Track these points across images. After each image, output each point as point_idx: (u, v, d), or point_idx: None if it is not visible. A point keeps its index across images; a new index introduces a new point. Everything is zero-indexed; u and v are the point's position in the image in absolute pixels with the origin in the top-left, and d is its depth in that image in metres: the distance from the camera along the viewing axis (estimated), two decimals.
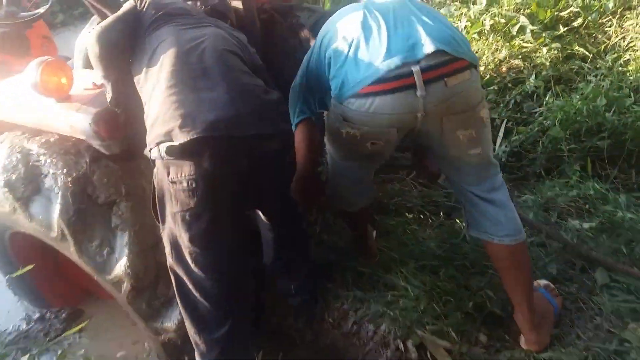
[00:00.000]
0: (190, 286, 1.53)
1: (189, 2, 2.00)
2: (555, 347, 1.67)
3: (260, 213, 1.84)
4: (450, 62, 1.37)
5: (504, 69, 3.02)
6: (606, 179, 2.42)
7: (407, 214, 2.34)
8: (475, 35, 3.25)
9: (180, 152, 1.40)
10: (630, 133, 2.46)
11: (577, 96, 2.64)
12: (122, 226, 1.88)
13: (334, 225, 2.34)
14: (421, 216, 2.33)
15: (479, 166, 1.57)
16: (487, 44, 3.16)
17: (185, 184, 1.41)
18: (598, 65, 2.89)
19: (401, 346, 1.79)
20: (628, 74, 2.80)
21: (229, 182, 1.45)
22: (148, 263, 1.86)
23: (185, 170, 1.41)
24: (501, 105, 2.88)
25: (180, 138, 1.38)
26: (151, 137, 1.47)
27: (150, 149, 1.47)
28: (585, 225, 2.04)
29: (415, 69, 1.34)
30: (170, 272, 1.58)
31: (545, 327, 1.69)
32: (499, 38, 3.15)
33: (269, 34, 2.46)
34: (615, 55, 2.92)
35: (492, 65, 3.06)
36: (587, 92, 2.62)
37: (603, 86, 2.66)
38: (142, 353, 2.15)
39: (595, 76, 2.83)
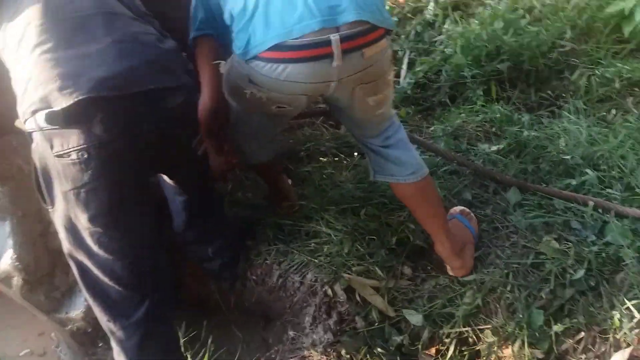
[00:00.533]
0: (97, 271, 1.34)
1: None
2: (478, 269, 1.71)
3: (165, 177, 1.67)
4: (370, 31, 1.26)
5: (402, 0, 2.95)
6: (508, 100, 2.48)
7: (321, 159, 2.26)
8: None
9: (63, 119, 1.17)
10: (527, 53, 2.52)
11: (476, 21, 2.64)
12: (1, 215, 1.63)
13: (248, 181, 2.22)
14: (336, 159, 2.26)
15: (381, 122, 1.56)
16: None
17: (74, 156, 1.19)
18: None
19: (329, 291, 1.76)
20: None
21: (128, 149, 1.25)
22: (38, 252, 1.64)
23: (72, 140, 1.18)
24: (402, 36, 2.83)
25: (62, 102, 1.15)
26: (24, 106, 1.22)
27: (25, 120, 1.23)
28: (494, 148, 2.08)
29: (335, 37, 1.20)
30: (69, 260, 1.37)
31: (466, 251, 1.72)
32: None
33: None
34: None
35: None
36: (484, 17, 2.63)
37: (499, 9, 2.68)
38: (51, 345, 1.94)
39: None
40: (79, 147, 1.17)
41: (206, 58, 1.46)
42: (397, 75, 2.77)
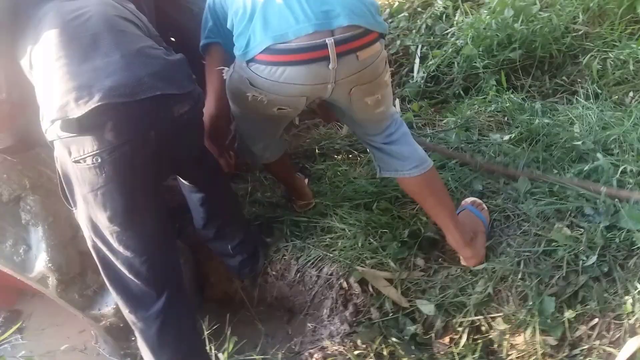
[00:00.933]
0: (118, 267, 1.45)
1: None
2: (490, 258, 1.74)
3: (181, 179, 1.76)
4: (363, 35, 1.33)
5: None
6: (522, 89, 2.48)
7: (335, 156, 2.31)
8: None
9: (78, 127, 1.26)
10: (540, 40, 2.50)
11: (485, 11, 2.64)
12: (34, 221, 1.76)
13: (267, 182, 2.30)
14: (350, 156, 2.31)
15: (382, 120, 1.61)
16: None
17: (89, 161, 1.29)
18: None
19: (344, 284, 1.82)
20: None
21: (137, 152, 1.34)
22: (70, 253, 1.76)
23: (87, 146, 1.28)
24: (414, 31, 2.85)
25: (77, 111, 1.25)
26: (44, 117, 1.33)
27: (46, 130, 1.34)
28: (506, 137, 2.09)
29: (330, 41, 1.27)
30: (94, 256, 1.49)
31: (478, 241, 1.74)
32: None
33: None
34: None
35: None
36: (494, 5, 2.62)
37: None
38: (91, 341, 2.07)
39: None
40: (93, 153, 1.27)
41: (213, 65, 1.55)
42: (410, 70, 2.80)
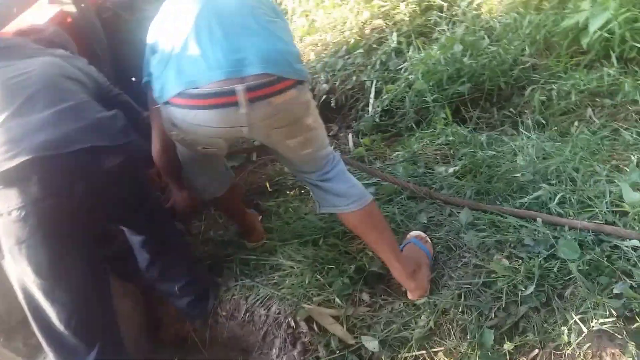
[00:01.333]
0: (48, 318, 1.44)
1: (20, 38, 1.86)
2: (433, 291, 1.75)
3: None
4: (276, 82, 1.35)
5: (367, 31, 3.06)
6: (471, 120, 2.54)
7: (288, 192, 2.34)
8: (338, 1, 3.26)
9: (4, 180, 1.29)
10: (488, 73, 2.58)
11: (435, 47, 2.73)
12: None
13: (221, 220, 2.31)
14: (302, 192, 2.33)
15: (313, 161, 1.63)
16: (350, 9, 3.19)
17: (15, 215, 1.31)
18: (454, 13, 2.99)
19: (292, 323, 1.81)
20: (482, 16, 2.93)
21: (64, 205, 1.36)
22: (11, 302, 1.74)
23: (12, 199, 1.30)
24: (369, 67, 2.92)
25: (4, 165, 1.28)
26: None
27: None
28: (450, 170, 2.13)
29: (239, 88, 1.30)
30: (24, 308, 1.48)
31: (421, 274, 1.76)
32: (360, 1, 3.18)
33: (115, 33, 2.35)
34: (469, 0, 3.04)
35: (357, 29, 3.09)
36: (443, 41, 2.71)
37: (457, 33, 2.76)
38: None
39: (454, 23, 2.93)
40: (18, 206, 1.28)
41: (154, 102, 1.58)
42: (366, 105, 2.86)
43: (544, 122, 2.38)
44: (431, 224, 1.96)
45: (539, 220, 1.78)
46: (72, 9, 2.26)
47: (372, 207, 1.71)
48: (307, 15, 3.32)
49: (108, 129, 1.42)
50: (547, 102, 2.43)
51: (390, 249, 1.71)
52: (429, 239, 1.88)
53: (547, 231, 1.76)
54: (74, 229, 1.39)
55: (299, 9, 3.45)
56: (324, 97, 2.98)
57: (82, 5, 2.27)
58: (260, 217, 2.24)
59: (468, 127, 2.42)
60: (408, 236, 1.90)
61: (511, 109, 2.53)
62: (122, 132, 1.45)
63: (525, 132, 2.27)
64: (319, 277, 1.87)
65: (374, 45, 3.00)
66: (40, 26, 2.01)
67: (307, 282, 1.86)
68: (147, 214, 1.69)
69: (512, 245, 1.77)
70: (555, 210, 1.83)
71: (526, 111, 2.50)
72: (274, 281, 1.93)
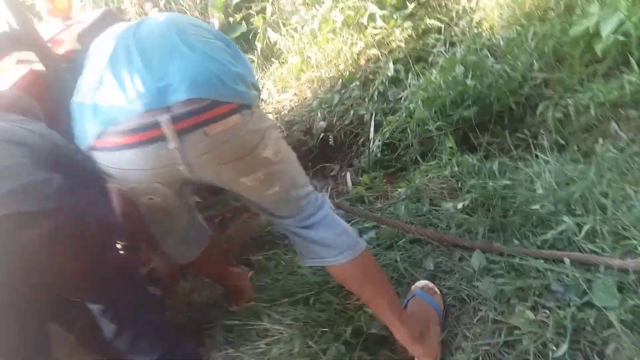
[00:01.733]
0: None
1: None
2: (445, 356, 1.46)
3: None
4: (210, 108, 1.12)
5: (362, 62, 2.87)
6: (481, 147, 2.28)
7: (280, 242, 2.10)
8: (331, 35, 3.10)
9: None
10: (495, 93, 2.33)
11: (435, 71, 2.50)
12: None
13: (206, 280, 2.07)
14: None
15: (284, 202, 1.36)
16: (343, 40, 3.01)
17: None
18: (453, 34, 2.78)
19: None
20: (483, 35, 2.71)
21: None
22: None
23: None
24: (366, 99, 2.71)
25: None
26: None
27: None
28: (459, 206, 1.86)
29: (164, 118, 1.09)
30: None
31: (430, 335, 1.48)
32: (353, 31, 3.01)
33: None
34: (468, 18, 2.83)
35: (351, 61, 2.90)
36: (443, 64, 2.49)
37: (457, 53, 2.54)
38: None
39: (452, 45, 2.72)
40: None
41: None
42: (367, 139, 2.64)
43: (563, 142, 2.09)
44: (439, 270, 1.68)
45: (567, 260, 1.49)
46: (42, 67, 2.15)
47: (366, 258, 1.44)
48: (302, 53, 3.16)
49: (37, 194, 1.23)
50: (565, 120, 2.15)
51: (391, 307, 1.44)
52: (437, 290, 1.60)
53: (578, 274, 1.46)
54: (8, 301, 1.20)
55: (293, 48, 3.30)
56: (321, 135, 2.78)
57: (52, 63, 2.16)
58: (251, 273, 2.01)
59: (478, 155, 2.15)
60: (413, 288, 1.63)
61: (525, 131, 2.25)
62: (54, 196, 1.25)
63: (542, 155, 1.98)
64: (310, 343, 1.60)
65: (370, 76, 2.79)
66: (1, 92, 1.90)
67: (296, 350, 1.59)
68: (103, 281, 1.47)
69: (537, 292, 1.48)
70: (585, 246, 1.54)
71: (542, 132, 2.21)
72: (261, 350, 1.67)
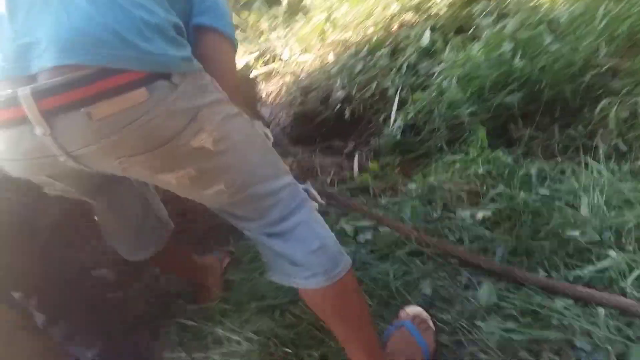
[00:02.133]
0: None
1: None
2: None
3: None
4: (97, 78, 0.76)
5: (395, 27, 2.47)
6: (520, 143, 1.88)
7: None
8: None
9: None
10: (548, 79, 1.91)
11: (477, 46, 2.09)
12: None
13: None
14: None
15: (238, 202, 1.00)
16: (376, 0, 2.60)
17: None
18: (505, 4, 2.33)
19: None
20: (543, 7, 2.25)
21: None
22: None
23: None
24: (393, 70, 2.33)
25: None
26: None
27: None
28: (479, 216, 1.50)
29: (23, 92, 0.75)
30: None
31: None
32: None
33: None
34: None
35: (382, 24, 2.50)
36: (487, 38, 2.07)
37: (507, 27, 2.10)
38: None
39: (503, 16, 2.27)
40: None
41: None
42: (388, 117, 2.27)
43: (624, 148, 1.68)
44: (437, 297, 1.34)
45: (601, 311, 1.13)
46: None
47: (344, 286, 1.07)
48: (329, 10, 2.78)
49: None
50: (631, 121, 1.72)
51: (366, 350, 1.11)
52: (431, 323, 1.27)
53: (615, 330, 1.10)
54: None
55: (322, 4, 2.92)
56: (338, 106, 2.43)
57: None
58: (227, 261, 1.74)
59: (514, 153, 1.77)
60: (402, 314, 1.30)
61: (579, 128, 1.84)
62: None
63: (595, 164, 1.58)
64: None
65: (402, 45, 2.39)
66: None
67: None
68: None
69: (555, 348, 1.13)
70: (631, 292, 1.17)
71: (600, 132, 1.80)
72: (215, 359, 1.41)
